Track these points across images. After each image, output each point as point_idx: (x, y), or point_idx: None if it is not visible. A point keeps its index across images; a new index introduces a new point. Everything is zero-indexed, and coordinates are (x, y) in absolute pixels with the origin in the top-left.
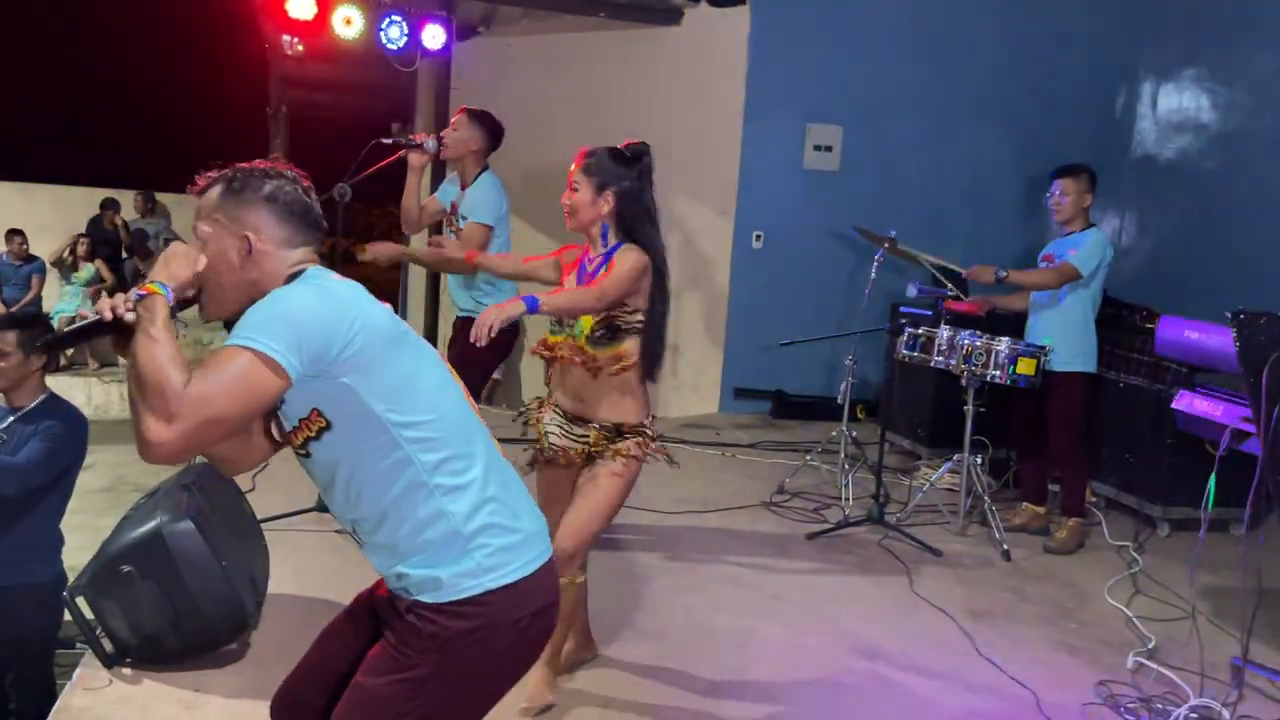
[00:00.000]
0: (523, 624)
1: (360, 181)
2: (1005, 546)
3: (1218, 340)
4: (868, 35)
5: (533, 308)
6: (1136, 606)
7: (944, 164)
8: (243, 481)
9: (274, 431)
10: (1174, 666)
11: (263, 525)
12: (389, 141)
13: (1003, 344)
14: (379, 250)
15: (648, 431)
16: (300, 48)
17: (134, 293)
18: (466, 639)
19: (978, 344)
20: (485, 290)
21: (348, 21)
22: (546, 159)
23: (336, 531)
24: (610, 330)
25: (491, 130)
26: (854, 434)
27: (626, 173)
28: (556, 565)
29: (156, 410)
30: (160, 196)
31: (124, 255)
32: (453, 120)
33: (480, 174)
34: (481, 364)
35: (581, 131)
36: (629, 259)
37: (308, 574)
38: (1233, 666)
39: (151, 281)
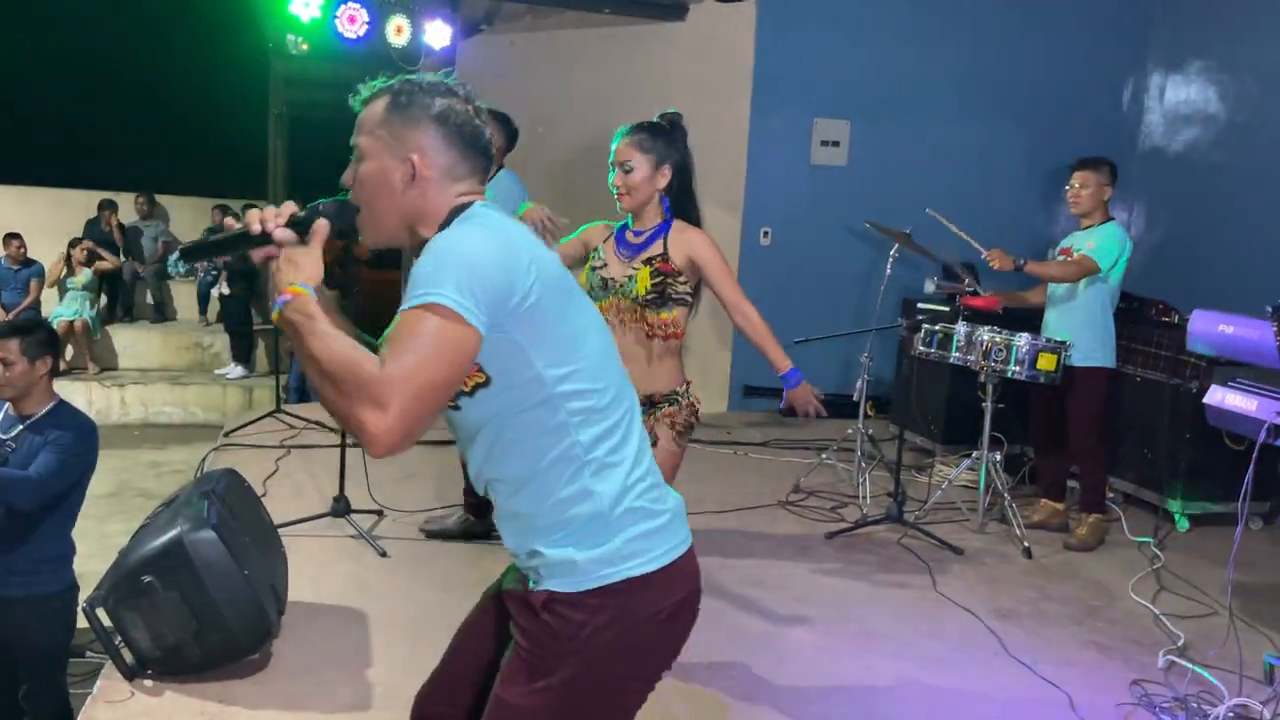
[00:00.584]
0: (663, 615)
1: None
2: (1026, 544)
3: (1254, 334)
4: (874, 29)
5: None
6: (1162, 603)
7: (953, 158)
8: (254, 486)
9: None
10: (1207, 665)
11: (278, 530)
12: None
13: (1023, 339)
14: None
15: (681, 396)
16: (304, 47)
17: (276, 295)
18: (605, 633)
19: (998, 340)
20: None
21: (352, 20)
22: (551, 155)
23: (352, 537)
24: (661, 296)
25: (510, 131)
26: (869, 431)
27: (676, 144)
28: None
29: (365, 402)
30: (160, 198)
31: (121, 257)
32: None
33: (497, 172)
34: None
35: (586, 128)
36: (705, 245)
37: (325, 581)
38: (1267, 664)
39: (291, 284)
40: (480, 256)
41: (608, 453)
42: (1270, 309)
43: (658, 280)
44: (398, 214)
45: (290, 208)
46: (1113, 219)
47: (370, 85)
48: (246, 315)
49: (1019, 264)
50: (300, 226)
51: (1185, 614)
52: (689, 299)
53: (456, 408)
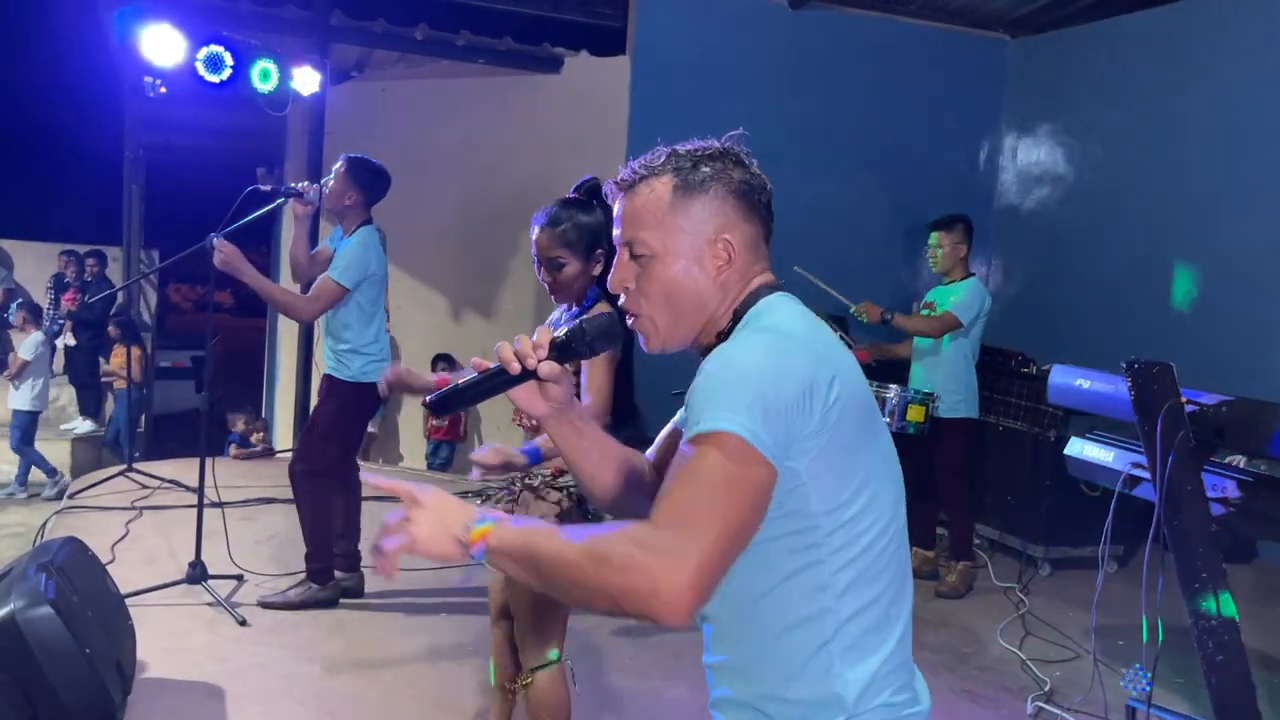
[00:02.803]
0: None
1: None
2: None
3: (1109, 388)
4: (745, 85)
5: (534, 458)
6: (1029, 649)
7: (822, 214)
8: (101, 554)
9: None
10: (1073, 709)
11: (127, 600)
12: (267, 189)
13: (893, 391)
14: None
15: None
16: (163, 90)
17: (473, 519)
18: None
19: None
20: (342, 351)
21: (214, 64)
22: (423, 205)
23: (209, 604)
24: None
25: (368, 182)
26: None
27: (601, 221)
28: None
29: (647, 574)
30: (2, 243)
31: None
32: (334, 168)
33: (359, 227)
34: (341, 425)
35: (459, 178)
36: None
37: (178, 654)
38: (1128, 709)
39: (472, 528)
40: (774, 375)
41: (864, 632)
42: (1124, 364)
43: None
44: (704, 311)
45: (547, 335)
46: (973, 274)
47: (635, 167)
48: (94, 367)
49: (886, 317)
50: (564, 354)
51: (1051, 659)
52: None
53: None
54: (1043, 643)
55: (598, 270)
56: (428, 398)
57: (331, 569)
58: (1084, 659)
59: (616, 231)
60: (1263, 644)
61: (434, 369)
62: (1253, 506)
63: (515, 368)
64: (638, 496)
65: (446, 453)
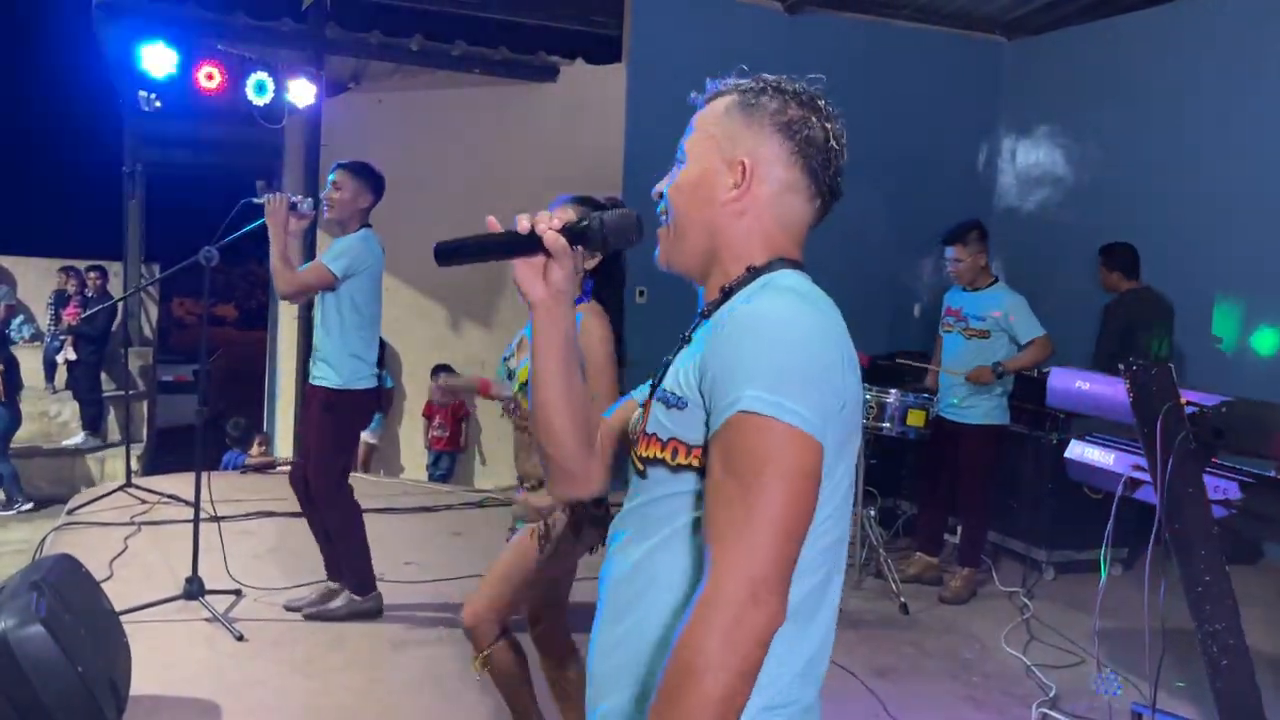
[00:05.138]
0: None
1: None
2: (903, 600)
3: (1109, 390)
4: None
5: None
6: (1033, 654)
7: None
8: (99, 570)
9: (639, 439)
10: (1077, 716)
11: (123, 617)
12: (260, 201)
13: (892, 396)
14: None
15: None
16: (159, 104)
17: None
18: None
19: (868, 398)
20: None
21: (210, 77)
22: (420, 215)
23: (206, 620)
24: None
25: (374, 183)
26: None
27: None
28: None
29: (734, 603)
30: (2, 260)
31: None
32: (333, 180)
33: (360, 229)
34: (337, 437)
35: (456, 188)
36: (592, 335)
37: (175, 671)
38: (1133, 714)
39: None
40: (828, 359)
41: (797, 622)
42: (1122, 367)
43: None
44: (706, 231)
45: (568, 215)
46: (996, 279)
47: (717, 84)
48: (96, 382)
49: (999, 372)
50: (575, 236)
51: (1055, 664)
52: None
53: (644, 475)
54: (1047, 648)
55: (591, 265)
56: (436, 244)
57: (372, 580)
58: (1088, 663)
59: None
60: (1270, 646)
61: (434, 378)
62: (1255, 508)
63: (524, 225)
64: (576, 436)
65: (447, 463)
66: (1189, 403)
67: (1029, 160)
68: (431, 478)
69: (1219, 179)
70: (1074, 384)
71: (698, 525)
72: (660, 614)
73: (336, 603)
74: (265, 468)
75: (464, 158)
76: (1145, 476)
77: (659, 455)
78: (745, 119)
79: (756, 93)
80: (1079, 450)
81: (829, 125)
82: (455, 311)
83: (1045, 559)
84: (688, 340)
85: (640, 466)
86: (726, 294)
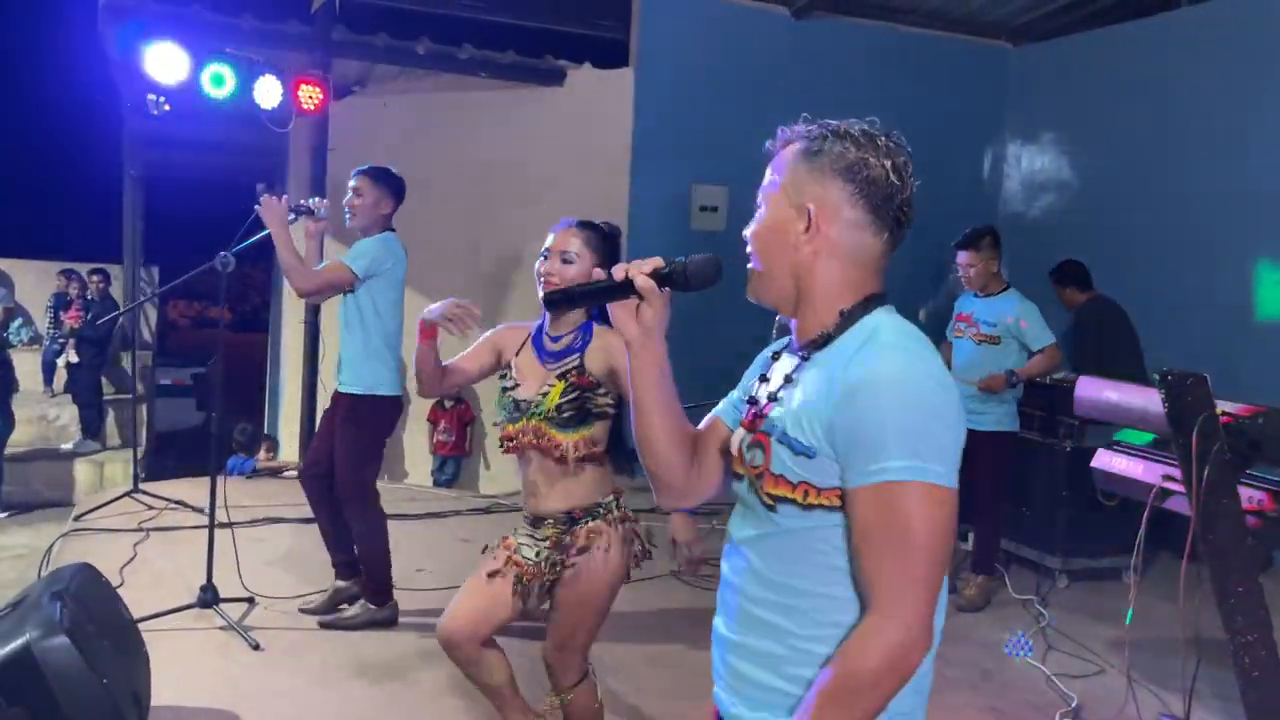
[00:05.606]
0: None
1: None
2: None
3: (1139, 400)
4: (749, 96)
5: None
6: (1052, 663)
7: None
8: (109, 577)
9: (752, 472)
10: None
11: (139, 626)
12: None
13: None
14: None
15: (604, 509)
16: (167, 107)
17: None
18: None
19: None
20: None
21: (218, 80)
22: (426, 219)
23: (221, 628)
24: (580, 412)
25: (396, 188)
26: None
27: (617, 253)
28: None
29: (896, 643)
30: (0, 262)
31: None
32: (353, 185)
33: (382, 233)
34: (363, 444)
35: (462, 191)
36: (618, 350)
37: (192, 680)
38: None
39: None
40: (948, 408)
41: None
42: (1158, 376)
43: (573, 396)
44: (789, 273)
45: (657, 262)
46: (1008, 285)
47: (788, 131)
48: (97, 385)
49: (1012, 381)
50: (663, 279)
51: (1075, 674)
52: (611, 411)
53: (774, 509)
54: (1066, 657)
55: None
56: (544, 295)
57: (390, 589)
58: (1108, 673)
59: None
60: None
61: None
62: None
63: (620, 274)
64: (679, 455)
65: (452, 469)
66: (1224, 413)
67: (1034, 166)
68: (437, 483)
69: (1225, 183)
70: (1102, 394)
71: (833, 557)
72: (813, 633)
73: (352, 611)
74: (276, 472)
75: (470, 161)
76: (1175, 486)
77: (790, 496)
78: (809, 166)
79: (820, 139)
80: (1107, 459)
81: (887, 162)
82: None
83: (1059, 567)
84: (789, 380)
85: (770, 502)
86: (826, 339)
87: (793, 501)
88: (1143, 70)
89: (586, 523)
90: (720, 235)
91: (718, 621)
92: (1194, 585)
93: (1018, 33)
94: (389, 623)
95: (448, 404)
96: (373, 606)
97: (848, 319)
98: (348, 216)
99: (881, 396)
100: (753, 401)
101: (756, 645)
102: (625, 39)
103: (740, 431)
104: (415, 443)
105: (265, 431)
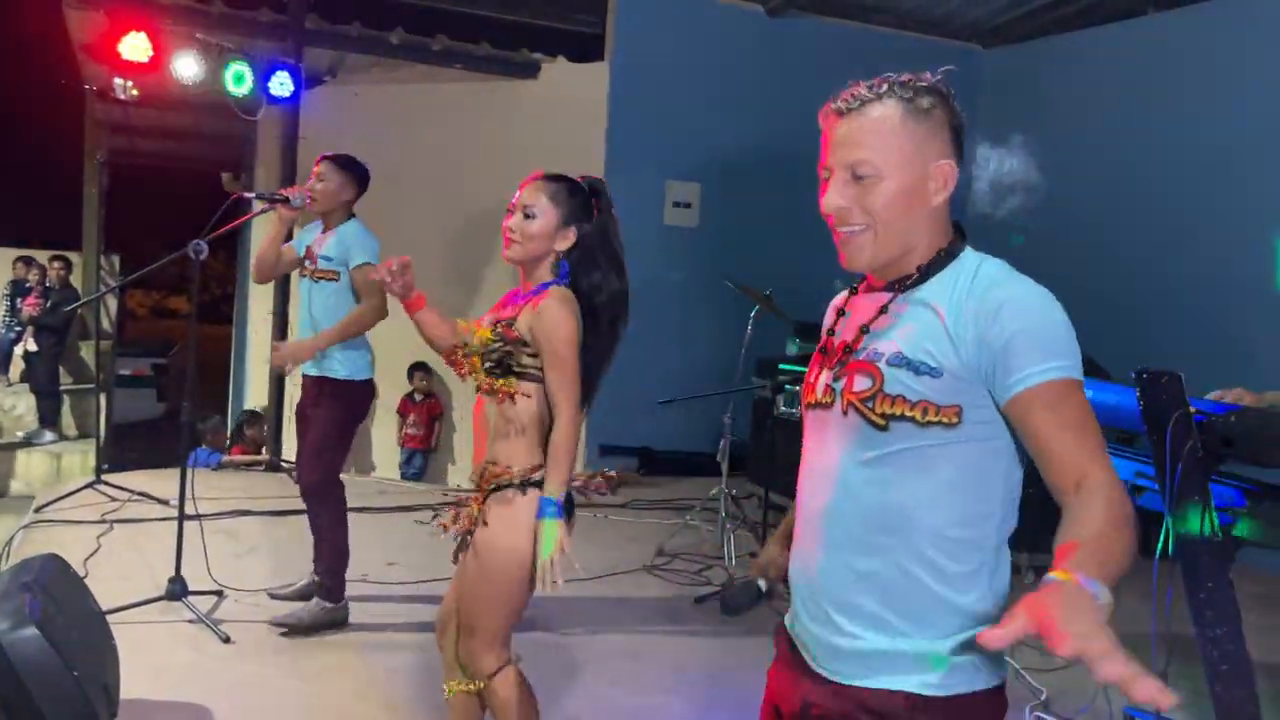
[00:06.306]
0: None
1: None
2: None
3: (1113, 398)
4: (724, 93)
5: (558, 512)
6: (1020, 657)
7: (798, 221)
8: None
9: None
10: (1070, 719)
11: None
12: (252, 195)
13: None
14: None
15: (522, 482)
16: (135, 92)
17: None
18: None
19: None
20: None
21: (188, 66)
22: (397, 211)
23: (190, 621)
24: (500, 365)
25: (359, 175)
26: (732, 491)
27: (589, 209)
28: None
29: (1118, 484)
30: None
31: None
32: (315, 170)
33: (347, 220)
34: (340, 428)
35: (434, 184)
36: (552, 326)
37: (163, 674)
38: (1125, 717)
39: (1097, 591)
40: (1067, 319)
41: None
42: (1133, 374)
43: (496, 345)
44: (913, 230)
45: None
46: None
47: (856, 92)
48: (55, 375)
49: None
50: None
51: (1044, 668)
52: (538, 376)
53: (885, 428)
54: (1032, 651)
55: (563, 246)
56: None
57: (343, 587)
58: (1075, 667)
59: (830, 156)
60: (1260, 653)
61: (410, 379)
62: (1259, 516)
63: None
64: None
65: (420, 461)
66: (1198, 411)
67: (1003, 168)
68: (404, 476)
69: (1192, 188)
70: None
71: (945, 470)
72: (919, 548)
73: (308, 608)
74: (251, 465)
75: (443, 153)
76: (1147, 483)
77: (907, 413)
78: (927, 128)
79: (917, 97)
80: None
81: (962, 113)
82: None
83: (1026, 563)
84: (884, 310)
85: (883, 422)
86: (923, 274)
87: (910, 419)
88: (1110, 75)
89: (497, 490)
90: (693, 231)
91: (804, 560)
92: (1164, 581)
93: (990, 35)
94: (340, 623)
95: (418, 397)
96: (329, 605)
97: (947, 256)
98: (307, 199)
99: (1034, 312)
100: (830, 334)
101: (863, 567)
102: (600, 33)
103: (819, 379)
104: (383, 435)
105: (232, 425)
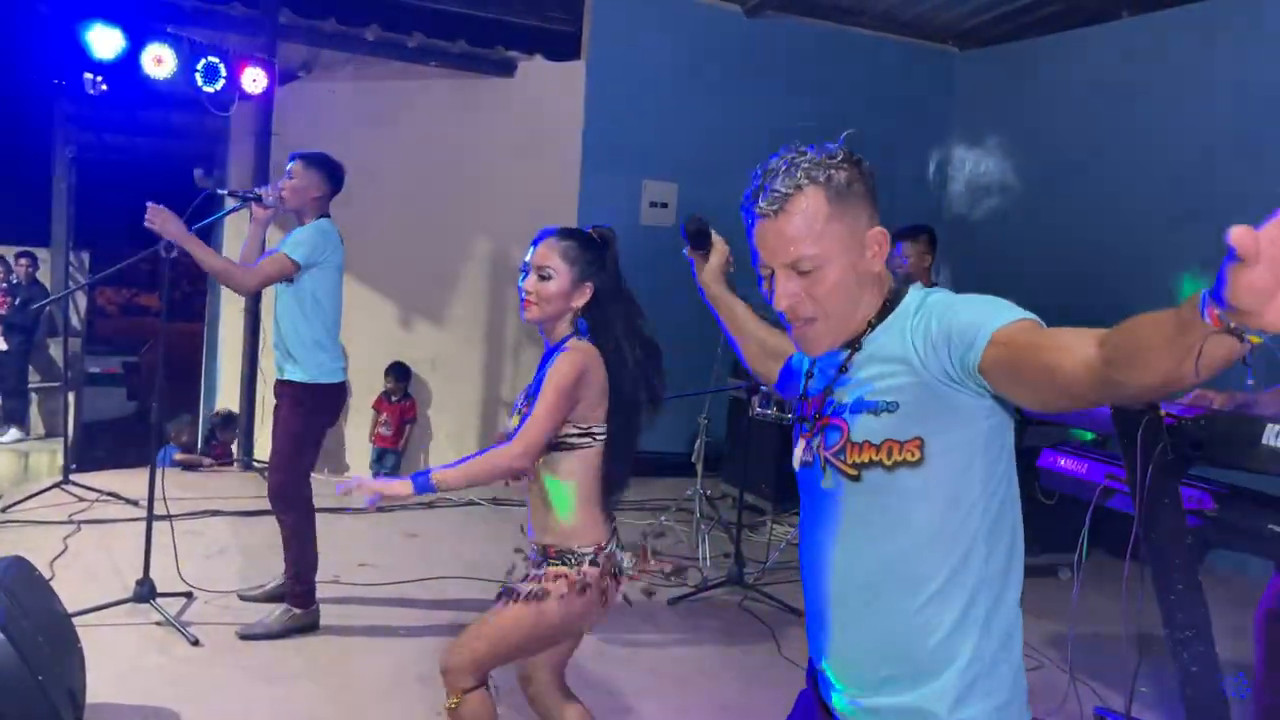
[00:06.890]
0: None
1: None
2: None
3: None
4: (700, 92)
5: (424, 489)
6: None
7: None
8: (41, 571)
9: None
10: None
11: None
12: (224, 193)
13: None
14: None
15: (571, 560)
16: (104, 87)
17: None
18: None
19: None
20: (297, 350)
21: (159, 61)
22: (372, 210)
23: (158, 624)
24: (548, 445)
25: (331, 173)
26: (707, 492)
27: (604, 262)
28: None
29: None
30: None
31: None
32: (289, 168)
33: (319, 219)
34: (304, 432)
35: (409, 182)
36: (558, 371)
37: (130, 678)
38: (1096, 717)
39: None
40: None
41: (1008, 579)
42: None
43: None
44: (862, 300)
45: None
46: (935, 284)
47: (772, 191)
48: (23, 373)
49: None
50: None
51: None
52: (575, 444)
53: (858, 479)
54: None
55: (579, 304)
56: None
57: (314, 592)
58: (1046, 668)
59: (768, 257)
60: (1229, 653)
61: (386, 379)
62: (1228, 519)
63: None
64: (761, 357)
65: (392, 461)
66: (1167, 414)
67: (979, 170)
68: (376, 475)
69: (1167, 191)
70: None
71: (919, 515)
72: (913, 605)
73: (275, 615)
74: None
75: (418, 151)
76: (1118, 485)
77: (874, 458)
78: (851, 206)
79: (834, 175)
80: (1052, 459)
81: (871, 173)
82: (405, 307)
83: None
84: (844, 369)
85: (855, 472)
86: (873, 326)
87: (878, 464)
88: (1085, 77)
89: (554, 565)
90: (669, 231)
91: (818, 647)
92: (1135, 583)
93: (966, 37)
94: (311, 629)
95: (394, 398)
96: (298, 610)
97: (892, 303)
98: (279, 198)
99: (967, 296)
100: (804, 399)
101: (868, 642)
102: (577, 32)
103: (799, 443)
104: (356, 436)
105: (204, 427)
